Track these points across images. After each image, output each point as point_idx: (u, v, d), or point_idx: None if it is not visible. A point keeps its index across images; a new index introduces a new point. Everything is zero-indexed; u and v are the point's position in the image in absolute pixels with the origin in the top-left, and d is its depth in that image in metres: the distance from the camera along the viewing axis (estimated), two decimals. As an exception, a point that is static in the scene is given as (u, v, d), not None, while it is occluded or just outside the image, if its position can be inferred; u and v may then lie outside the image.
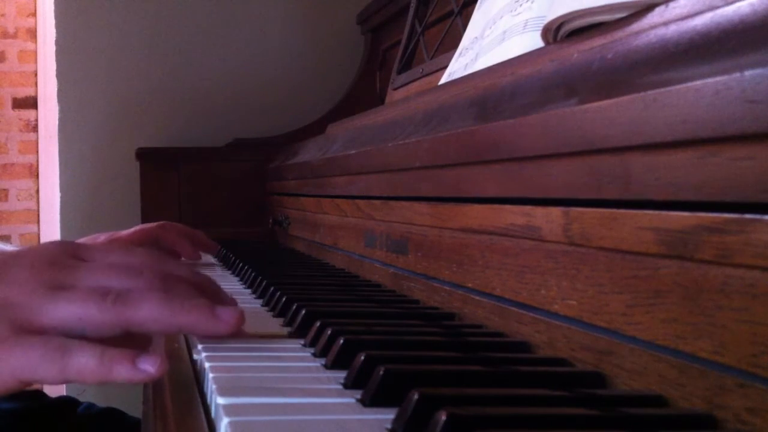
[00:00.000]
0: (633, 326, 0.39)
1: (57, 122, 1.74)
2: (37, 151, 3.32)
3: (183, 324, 0.50)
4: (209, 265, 1.12)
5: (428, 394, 0.34)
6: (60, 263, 0.51)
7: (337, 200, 0.97)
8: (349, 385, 0.42)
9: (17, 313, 0.48)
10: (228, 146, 1.69)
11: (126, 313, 0.48)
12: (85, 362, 0.46)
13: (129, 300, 0.49)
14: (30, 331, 0.47)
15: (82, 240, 0.87)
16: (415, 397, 0.34)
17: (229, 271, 1.02)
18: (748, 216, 0.31)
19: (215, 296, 0.55)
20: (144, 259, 0.54)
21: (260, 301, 0.74)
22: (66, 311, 0.48)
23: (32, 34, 3.30)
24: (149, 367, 0.46)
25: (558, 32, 0.58)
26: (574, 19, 0.55)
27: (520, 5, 0.75)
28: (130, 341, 0.50)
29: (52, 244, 0.54)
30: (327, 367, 0.47)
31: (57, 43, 1.74)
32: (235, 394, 0.39)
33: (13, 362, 0.46)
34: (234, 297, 0.57)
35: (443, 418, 0.31)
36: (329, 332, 0.50)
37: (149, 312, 0.49)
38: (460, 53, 0.92)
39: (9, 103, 3.31)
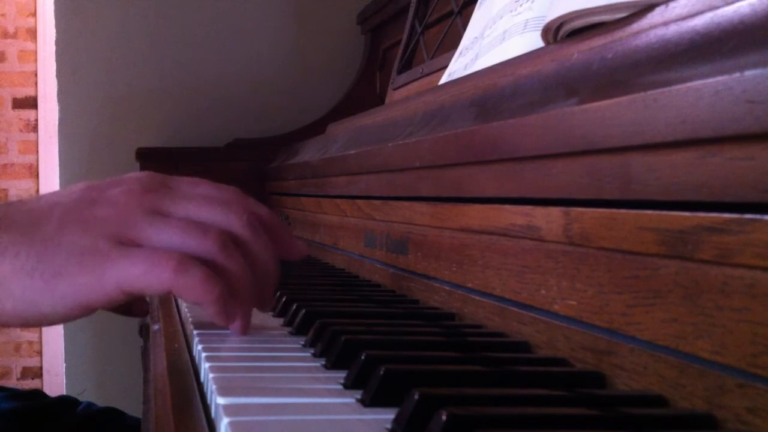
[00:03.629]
0: (633, 326, 0.39)
1: (57, 122, 1.74)
2: (37, 151, 3.32)
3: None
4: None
5: (428, 394, 0.34)
6: (154, 190, 0.54)
7: (337, 200, 0.97)
8: (349, 385, 0.42)
9: (118, 229, 0.51)
10: (228, 146, 1.69)
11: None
12: (196, 279, 0.49)
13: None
14: (132, 246, 0.50)
15: None
16: (415, 397, 0.34)
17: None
18: (748, 216, 0.31)
19: (284, 242, 0.59)
20: (231, 195, 0.57)
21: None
22: (166, 237, 0.51)
23: (32, 34, 3.30)
24: (236, 324, 0.53)
25: (558, 32, 0.58)
26: (574, 19, 0.55)
27: (520, 5, 0.75)
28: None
29: (146, 174, 0.57)
30: (327, 367, 0.47)
31: (57, 43, 1.74)
32: (235, 394, 0.39)
33: (118, 273, 0.49)
34: None
35: (443, 418, 0.31)
36: (329, 332, 0.50)
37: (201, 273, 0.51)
38: (460, 53, 0.92)
39: (9, 103, 3.31)
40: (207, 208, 0.54)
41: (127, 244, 0.51)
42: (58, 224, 0.50)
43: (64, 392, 1.62)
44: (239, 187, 0.60)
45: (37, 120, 3.32)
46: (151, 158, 1.65)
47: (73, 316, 0.50)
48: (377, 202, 0.81)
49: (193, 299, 0.50)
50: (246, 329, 0.55)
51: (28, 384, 3.24)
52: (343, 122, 1.25)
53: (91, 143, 1.74)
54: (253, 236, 0.55)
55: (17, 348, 3.29)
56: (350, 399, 0.40)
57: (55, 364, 3.15)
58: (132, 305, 0.68)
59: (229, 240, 0.53)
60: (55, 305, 0.49)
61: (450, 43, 1.06)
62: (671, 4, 0.44)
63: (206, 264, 0.51)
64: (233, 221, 0.54)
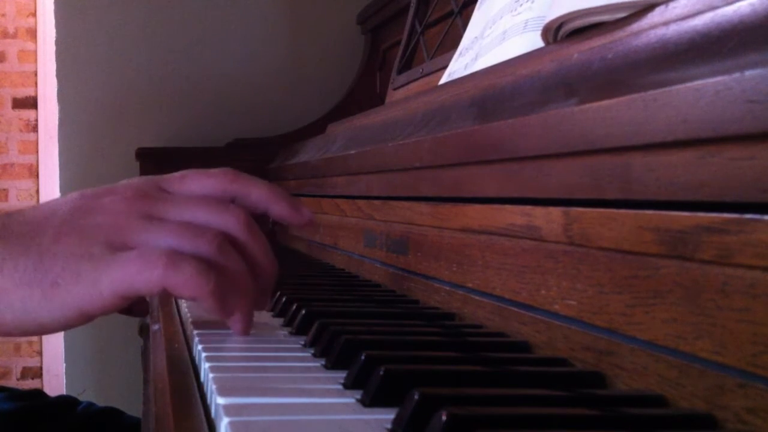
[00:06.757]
0: (633, 326, 0.39)
1: (57, 122, 1.74)
2: (37, 151, 3.32)
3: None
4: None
5: (428, 394, 0.34)
6: (149, 195, 0.54)
7: (337, 200, 0.97)
8: (349, 385, 0.42)
9: (112, 235, 0.51)
10: (228, 146, 1.69)
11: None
12: (187, 273, 0.48)
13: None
14: (125, 250, 0.50)
15: None
16: (416, 397, 0.34)
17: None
18: (748, 216, 0.31)
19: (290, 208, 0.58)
20: (225, 177, 0.57)
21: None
22: (161, 240, 0.51)
23: (32, 34, 3.30)
24: (237, 325, 0.53)
25: (558, 32, 0.58)
26: (574, 19, 0.55)
27: (520, 5, 0.75)
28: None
29: (139, 179, 0.57)
30: (327, 367, 0.47)
31: (57, 43, 1.74)
32: (235, 394, 0.39)
33: (112, 278, 0.49)
34: None
35: (443, 418, 0.31)
36: (329, 332, 0.50)
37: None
38: (460, 53, 0.92)
39: (9, 103, 3.32)
40: (203, 210, 0.54)
41: (122, 250, 0.51)
42: (54, 234, 0.51)
43: (64, 392, 1.62)
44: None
45: (37, 120, 3.32)
46: (151, 158, 1.65)
47: (72, 324, 0.51)
48: (377, 202, 0.81)
49: (188, 295, 0.50)
50: (247, 330, 0.55)
51: (28, 384, 3.24)
52: (343, 122, 1.25)
53: (91, 143, 1.74)
54: (251, 237, 0.55)
55: (17, 348, 3.29)
56: (350, 399, 0.40)
57: (55, 364, 3.15)
58: (132, 305, 0.68)
59: (226, 241, 0.53)
60: (53, 315, 0.50)
61: (450, 43, 1.06)
62: (671, 4, 0.44)
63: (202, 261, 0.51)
64: (230, 223, 0.54)
